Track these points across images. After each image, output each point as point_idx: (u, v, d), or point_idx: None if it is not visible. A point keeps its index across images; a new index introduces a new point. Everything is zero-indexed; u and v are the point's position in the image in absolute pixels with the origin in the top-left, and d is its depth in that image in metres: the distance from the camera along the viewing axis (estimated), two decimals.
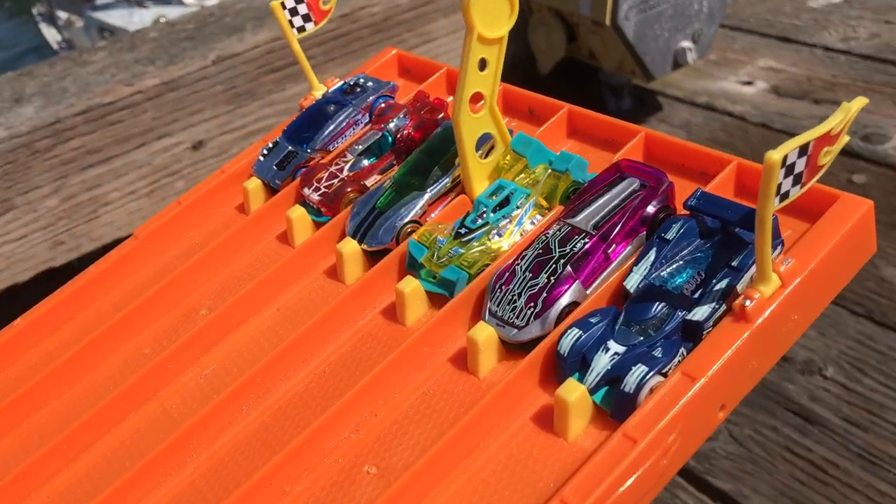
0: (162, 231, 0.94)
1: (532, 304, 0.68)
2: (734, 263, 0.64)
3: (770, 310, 0.62)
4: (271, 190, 0.93)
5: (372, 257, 0.82)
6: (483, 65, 0.77)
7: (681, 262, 0.67)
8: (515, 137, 0.81)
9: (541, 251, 0.70)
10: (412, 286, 0.74)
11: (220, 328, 0.80)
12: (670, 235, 0.68)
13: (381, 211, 0.82)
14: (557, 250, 0.70)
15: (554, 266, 0.69)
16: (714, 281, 0.64)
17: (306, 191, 0.88)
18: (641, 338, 0.63)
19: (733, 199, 0.70)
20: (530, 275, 0.69)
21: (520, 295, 0.68)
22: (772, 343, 0.64)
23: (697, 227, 0.68)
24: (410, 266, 0.78)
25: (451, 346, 0.72)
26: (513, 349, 0.69)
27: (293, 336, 0.75)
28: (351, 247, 0.81)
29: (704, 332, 0.63)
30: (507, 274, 0.70)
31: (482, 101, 0.79)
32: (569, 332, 0.65)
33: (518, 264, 0.70)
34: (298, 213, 0.87)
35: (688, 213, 0.70)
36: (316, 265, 0.84)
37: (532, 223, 0.76)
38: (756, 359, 0.63)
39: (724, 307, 0.63)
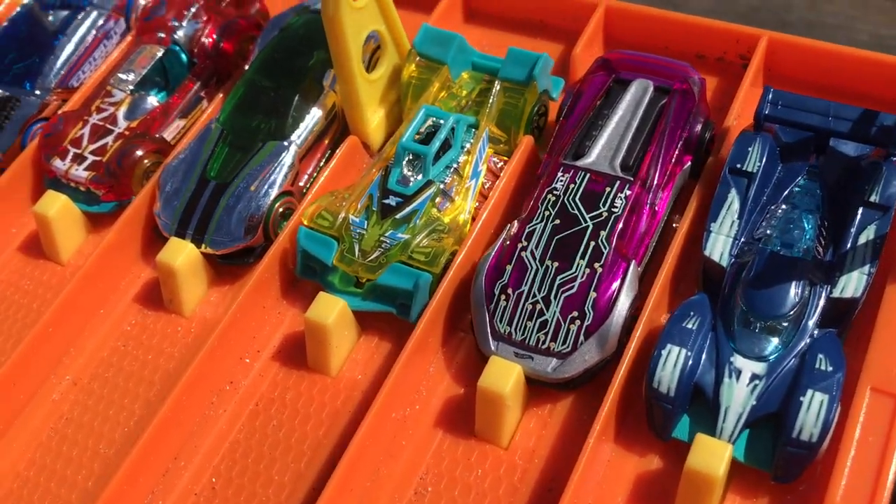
0: None
1: (576, 315, 0.40)
2: (873, 198, 0.42)
3: None
4: None
5: (221, 265, 0.48)
6: None
7: (786, 208, 0.43)
8: (421, 34, 0.51)
9: (558, 222, 0.43)
10: (335, 310, 0.43)
11: None
12: (751, 166, 0.43)
13: (220, 184, 0.48)
14: (587, 216, 0.42)
15: (593, 244, 0.42)
16: (851, 229, 0.41)
17: (58, 164, 0.51)
18: (775, 340, 0.39)
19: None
20: (556, 264, 0.41)
21: (547, 301, 0.41)
22: None
23: (776, 145, 0.45)
24: (306, 272, 0.46)
25: (429, 408, 0.43)
26: (547, 389, 0.42)
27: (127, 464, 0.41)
28: (184, 256, 0.46)
29: (857, 311, 0.41)
30: (508, 269, 0.42)
31: None
32: (665, 353, 0.39)
33: (524, 248, 0.42)
34: (58, 206, 0.49)
35: (752, 126, 0.46)
36: (115, 295, 0.49)
37: (491, 169, 0.48)
38: None
39: (877, 267, 0.41)
